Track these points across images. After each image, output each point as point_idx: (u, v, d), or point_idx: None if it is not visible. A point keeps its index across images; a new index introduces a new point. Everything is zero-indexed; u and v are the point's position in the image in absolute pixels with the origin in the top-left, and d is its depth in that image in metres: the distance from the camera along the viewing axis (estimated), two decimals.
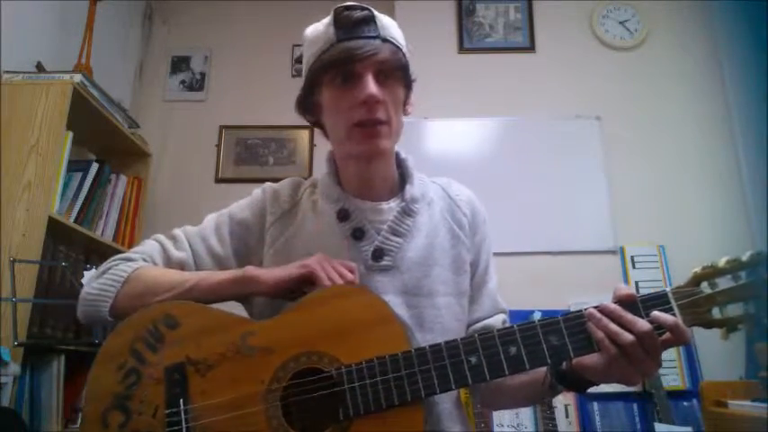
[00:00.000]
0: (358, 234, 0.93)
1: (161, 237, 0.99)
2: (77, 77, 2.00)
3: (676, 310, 0.73)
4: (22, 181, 1.83)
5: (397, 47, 0.91)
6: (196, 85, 3.02)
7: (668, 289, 0.75)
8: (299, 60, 3.04)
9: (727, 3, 2.62)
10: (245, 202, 1.02)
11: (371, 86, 0.86)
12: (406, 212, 0.95)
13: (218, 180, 2.85)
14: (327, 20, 0.90)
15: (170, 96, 3.00)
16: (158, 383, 0.80)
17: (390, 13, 2.70)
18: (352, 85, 0.88)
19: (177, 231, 0.99)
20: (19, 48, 2.02)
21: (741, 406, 1.65)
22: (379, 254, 0.92)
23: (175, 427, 0.77)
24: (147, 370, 0.80)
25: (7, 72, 1.95)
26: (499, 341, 0.75)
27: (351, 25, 0.88)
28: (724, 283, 0.74)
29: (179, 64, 3.05)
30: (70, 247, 2.04)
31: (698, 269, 0.75)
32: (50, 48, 2.21)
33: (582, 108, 2.61)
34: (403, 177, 1.01)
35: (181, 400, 0.78)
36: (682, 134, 2.57)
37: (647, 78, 2.65)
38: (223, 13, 3.12)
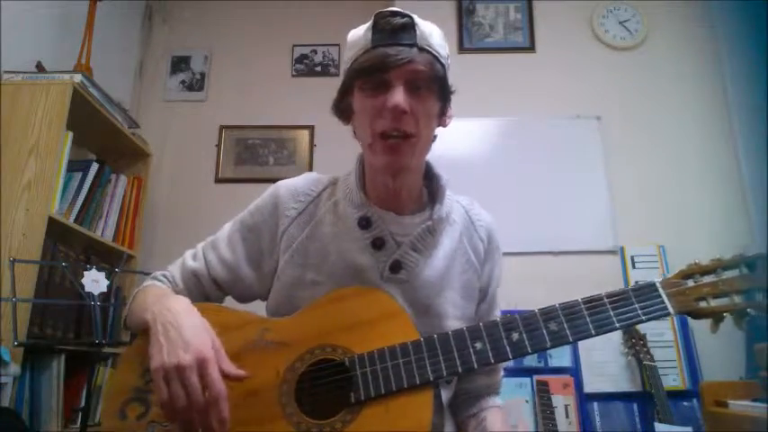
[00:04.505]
0: (378, 243, 0.92)
1: (189, 250, 1.04)
2: (77, 77, 2.00)
3: (665, 298, 0.78)
4: (22, 181, 1.83)
5: (435, 56, 0.87)
6: (196, 85, 3.02)
7: (656, 280, 0.81)
8: (299, 60, 3.04)
9: (727, 3, 2.62)
10: (255, 205, 1.01)
11: (399, 96, 0.83)
12: (430, 231, 0.94)
13: (218, 180, 2.85)
14: (368, 24, 0.88)
15: (170, 96, 3.00)
16: None
17: None
18: (382, 92, 0.85)
19: (200, 243, 1.03)
20: (19, 48, 2.02)
21: (741, 406, 1.64)
22: (396, 266, 0.91)
23: None
24: None
25: (7, 72, 1.95)
26: (502, 328, 0.79)
27: (388, 31, 0.85)
28: (709, 279, 0.81)
29: (179, 64, 3.05)
30: (70, 247, 2.04)
31: (684, 267, 0.82)
32: (50, 48, 2.21)
33: (582, 108, 2.61)
34: (431, 192, 0.99)
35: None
36: (682, 134, 2.57)
37: (647, 78, 2.64)
38: (223, 13, 3.12)
